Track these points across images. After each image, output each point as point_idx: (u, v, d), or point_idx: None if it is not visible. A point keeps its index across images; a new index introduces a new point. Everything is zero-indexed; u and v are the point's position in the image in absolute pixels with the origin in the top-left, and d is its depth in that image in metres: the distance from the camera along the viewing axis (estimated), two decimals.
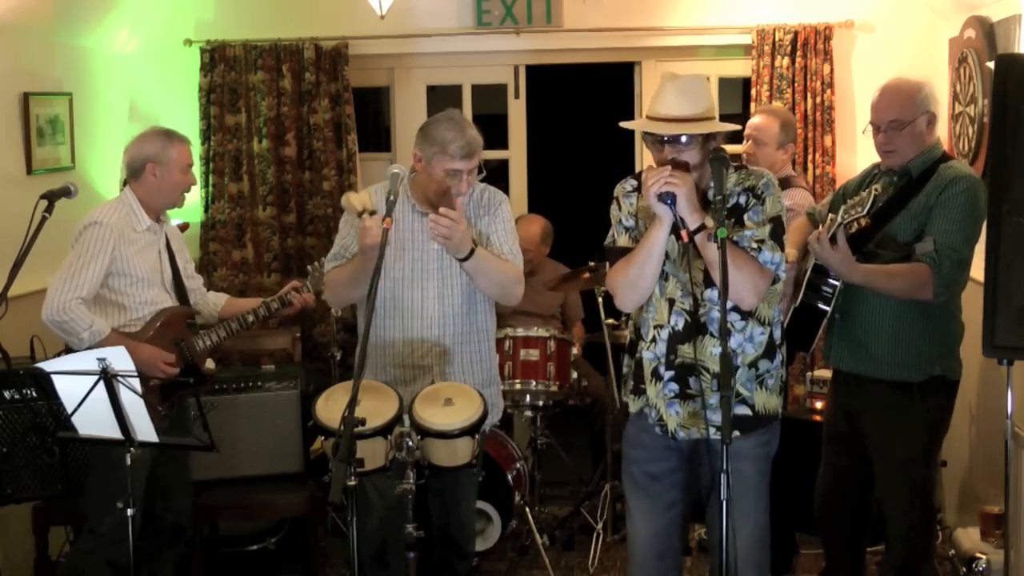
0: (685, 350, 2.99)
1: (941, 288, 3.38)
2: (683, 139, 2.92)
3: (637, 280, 2.99)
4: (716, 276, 2.83)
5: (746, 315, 3.01)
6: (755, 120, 4.44)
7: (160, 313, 3.73)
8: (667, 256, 3.01)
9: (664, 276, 3.01)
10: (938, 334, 3.50)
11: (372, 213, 3.26)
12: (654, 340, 3.04)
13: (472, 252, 3.30)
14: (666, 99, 2.94)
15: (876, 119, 3.53)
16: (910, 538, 3.59)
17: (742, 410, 3.03)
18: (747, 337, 3.03)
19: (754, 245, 2.96)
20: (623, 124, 3.16)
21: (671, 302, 3.02)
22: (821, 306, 3.58)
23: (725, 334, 2.69)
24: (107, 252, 3.60)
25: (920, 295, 3.40)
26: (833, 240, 3.38)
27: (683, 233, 2.85)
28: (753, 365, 3.04)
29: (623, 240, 3.09)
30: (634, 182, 3.13)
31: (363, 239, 3.25)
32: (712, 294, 2.95)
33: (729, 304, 2.96)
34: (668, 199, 2.84)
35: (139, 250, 3.71)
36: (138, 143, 3.82)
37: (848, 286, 3.56)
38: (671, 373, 3.02)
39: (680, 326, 3.00)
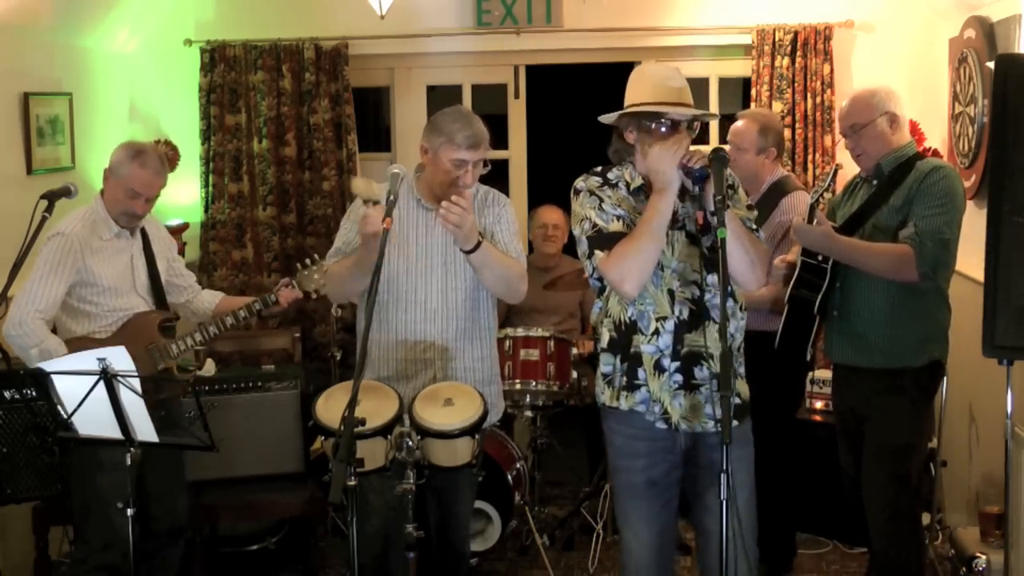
0: (692, 339, 2.99)
1: (925, 268, 3.48)
2: (708, 122, 3.00)
3: (651, 255, 2.93)
4: (733, 256, 2.86)
5: (735, 300, 3.05)
6: (735, 125, 4.41)
7: (131, 319, 3.68)
8: None
9: (659, 267, 2.99)
10: (933, 319, 3.62)
11: (375, 203, 3.26)
12: (657, 332, 3.01)
13: (479, 244, 3.31)
14: (674, 83, 2.97)
15: (841, 128, 3.76)
16: (892, 532, 3.61)
17: (735, 400, 3.04)
18: (737, 322, 3.07)
19: (754, 227, 3.05)
20: (648, 108, 2.99)
21: (671, 293, 3.00)
22: (809, 296, 3.69)
23: (725, 332, 2.70)
24: (68, 265, 3.52)
25: (903, 275, 3.49)
26: (811, 220, 3.58)
27: (698, 215, 2.88)
28: (740, 351, 3.10)
29: (617, 226, 3.02)
30: (598, 179, 3.10)
31: (363, 227, 3.24)
32: (713, 279, 2.96)
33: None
34: (705, 173, 2.85)
35: (106, 259, 3.63)
36: (116, 148, 3.70)
37: (844, 284, 3.66)
38: (676, 364, 3.00)
39: (686, 315, 2.99)
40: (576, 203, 3.10)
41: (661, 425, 3.04)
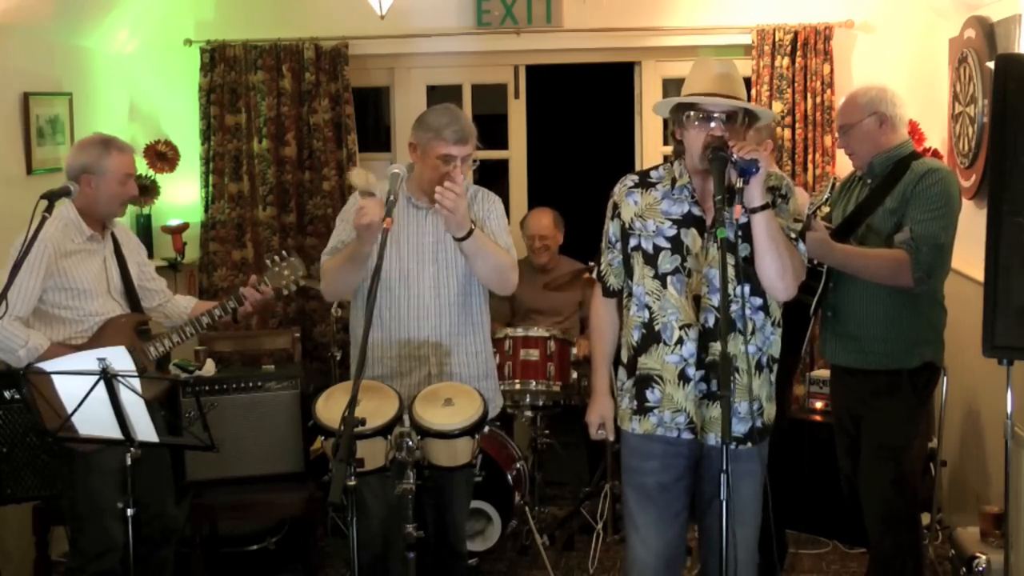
0: (717, 348, 2.91)
1: (921, 274, 3.47)
2: (738, 117, 2.91)
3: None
4: (764, 259, 2.83)
5: (766, 314, 3.00)
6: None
7: (107, 323, 3.65)
8: (688, 252, 2.97)
9: (687, 273, 2.97)
10: (926, 321, 3.61)
11: (371, 195, 3.27)
12: (681, 341, 2.97)
13: (471, 232, 3.31)
14: (714, 73, 2.92)
15: (836, 127, 3.80)
16: (889, 533, 3.61)
17: (759, 422, 3.01)
18: (765, 336, 3.02)
19: (792, 236, 2.96)
20: (690, 99, 2.93)
21: (697, 299, 2.96)
22: (804, 299, 3.63)
23: (726, 332, 2.67)
24: (42, 268, 3.49)
25: (899, 280, 3.49)
26: (808, 226, 3.53)
27: (737, 208, 2.78)
28: (769, 367, 3.03)
29: (606, 256, 3.15)
30: (634, 179, 3.10)
31: (358, 218, 3.24)
32: (742, 290, 2.88)
33: (758, 301, 2.98)
34: (753, 167, 2.77)
35: (79, 262, 3.61)
36: (75, 151, 3.69)
37: (837, 284, 3.68)
38: (701, 373, 2.96)
39: (711, 323, 2.94)
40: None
41: (686, 436, 3.01)
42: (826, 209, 3.83)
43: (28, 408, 3.52)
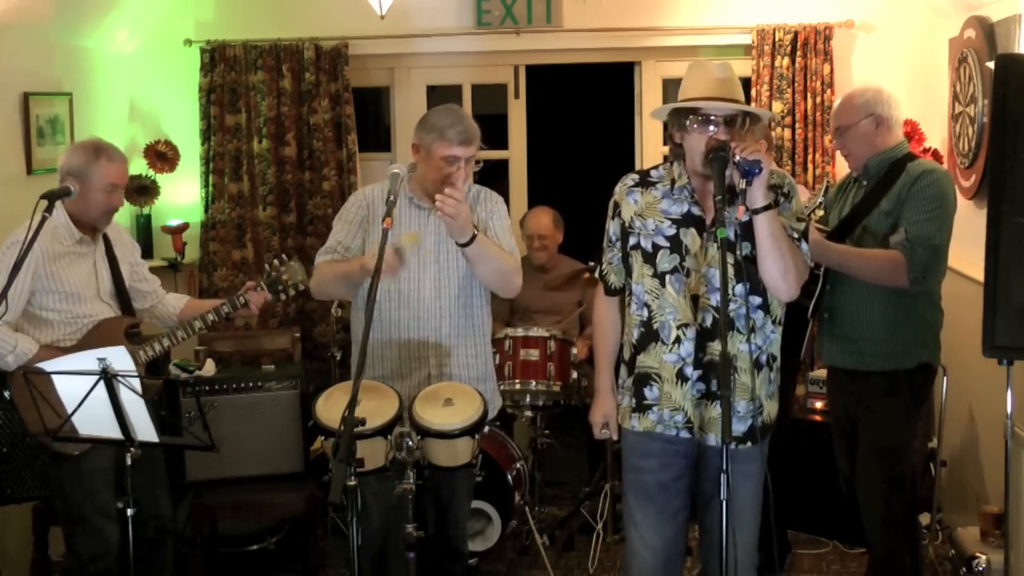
0: (715, 347, 2.92)
1: (916, 275, 3.48)
2: (739, 120, 2.89)
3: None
4: (767, 259, 2.83)
5: (766, 313, 3.00)
6: None
7: (97, 325, 3.63)
8: (687, 251, 2.98)
9: (686, 272, 2.97)
10: (923, 322, 3.62)
11: (402, 254, 3.26)
12: (678, 340, 2.97)
13: (474, 237, 3.31)
14: (715, 75, 2.90)
15: (831, 128, 3.83)
16: (888, 534, 3.62)
17: (758, 421, 3.00)
18: (765, 335, 3.02)
19: (795, 236, 2.96)
20: (691, 104, 2.91)
21: (695, 299, 2.97)
22: (802, 301, 3.61)
23: (725, 332, 2.67)
24: (28, 272, 3.45)
25: (895, 281, 3.49)
26: None
27: (740, 209, 2.77)
28: (769, 366, 3.03)
29: (608, 253, 3.15)
30: (635, 178, 3.11)
31: (385, 269, 3.11)
32: (740, 290, 2.87)
33: (758, 300, 2.98)
34: (756, 168, 2.75)
35: (68, 264, 3.58)
36: (67, 153, 3.65)
37: (834, 287, 3.68)
38: (699, 372, 2.96)
39: (709, 323, 2.94)
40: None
41: (684, 435, 3.01)
42: (820, 212, 3.83)
43: (14, 409, 3.51)
